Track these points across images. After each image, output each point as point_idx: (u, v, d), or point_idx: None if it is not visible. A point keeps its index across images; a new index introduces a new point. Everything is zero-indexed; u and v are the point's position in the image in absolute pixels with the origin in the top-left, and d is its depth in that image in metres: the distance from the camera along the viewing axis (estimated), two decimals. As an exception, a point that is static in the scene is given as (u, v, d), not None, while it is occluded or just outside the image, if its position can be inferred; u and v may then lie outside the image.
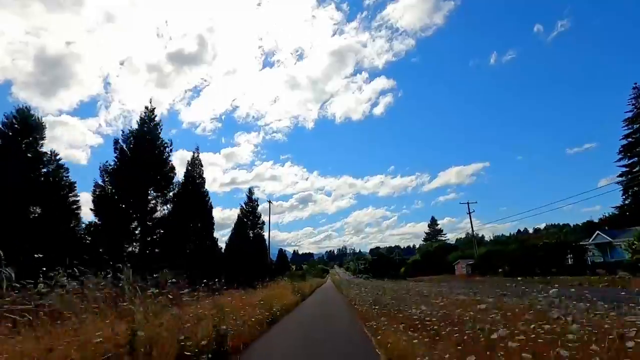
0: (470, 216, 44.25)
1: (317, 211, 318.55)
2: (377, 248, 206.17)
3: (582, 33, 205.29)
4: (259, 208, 41.73)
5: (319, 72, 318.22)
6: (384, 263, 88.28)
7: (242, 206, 40.36)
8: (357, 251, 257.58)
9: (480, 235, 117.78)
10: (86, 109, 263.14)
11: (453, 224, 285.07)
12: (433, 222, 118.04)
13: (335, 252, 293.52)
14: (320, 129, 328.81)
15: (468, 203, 45.05)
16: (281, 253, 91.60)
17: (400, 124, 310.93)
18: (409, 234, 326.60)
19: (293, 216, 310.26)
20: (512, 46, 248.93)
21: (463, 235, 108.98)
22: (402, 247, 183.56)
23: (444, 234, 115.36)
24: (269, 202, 42.53)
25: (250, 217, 40.09)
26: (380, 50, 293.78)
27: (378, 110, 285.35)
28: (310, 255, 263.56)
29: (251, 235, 39.05)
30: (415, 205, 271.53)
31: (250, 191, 42.03)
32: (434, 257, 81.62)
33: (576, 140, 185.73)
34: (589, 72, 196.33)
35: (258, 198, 42.31)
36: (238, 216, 39.64)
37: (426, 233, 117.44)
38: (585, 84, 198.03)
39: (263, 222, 40.16)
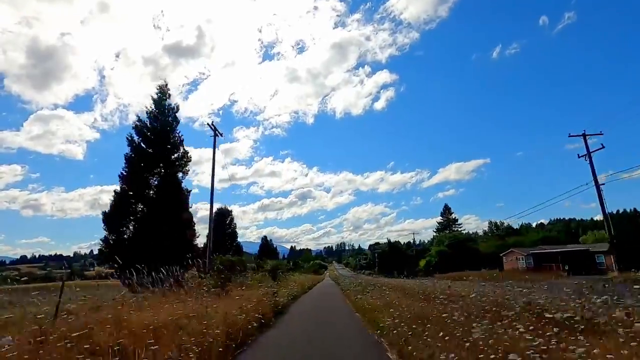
0: (590, 159, 24.09)
1: (316, 207, 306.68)
2: (377, 244, 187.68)
3: (587, 27, 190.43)
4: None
5: (320, 66, 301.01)
6: (396, 256, 69.07)
7: (138, 123, 19.59)
8: (357, 247, 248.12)
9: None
10: (82, 103, 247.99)
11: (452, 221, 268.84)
12: (446, 211, 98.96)
13: (334, 248, 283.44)
14: (321, 124, 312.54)
15: (585, 134, 24.79)
16: (266, 242, 72.10)
17: (401, 119, 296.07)
18: (407, 230, 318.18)
19: (292, 212, 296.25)
20: (516, 39, 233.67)
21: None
22: (402, 242, 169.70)
23: (459, 224, 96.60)
24: (214, 130, 21.10)
25: (157, 143, 19.27)
26: (383, 43, 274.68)
27: (379, 105, 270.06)
28: (308, 251, 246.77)
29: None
30: (414, 201, 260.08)
31: (162, 90, 20.78)
32: (462, 248, 62.88)
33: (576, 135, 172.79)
34: (591, 67, 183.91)
35: (178, 105, 21.86)
36: (127, 140, 19.24)
37: (438, 223, 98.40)
38: (587, 78, 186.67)
39: (186, 158, 19.90)
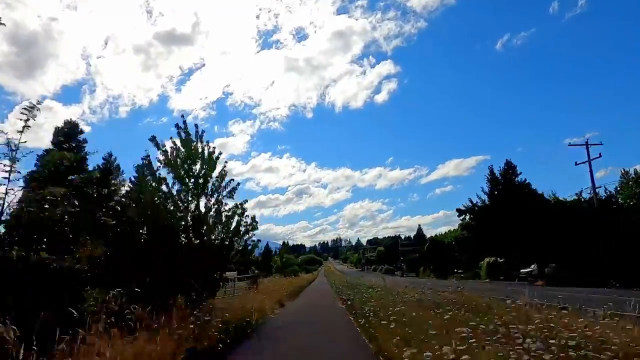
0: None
1: (313, 204, 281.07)
2: (375, 239, 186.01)
3: (598, 16, 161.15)
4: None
5: (321, 55, 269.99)
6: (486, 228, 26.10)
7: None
8: (353, 244, 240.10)
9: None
10: (69, 94, 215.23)
11: (448, 217, 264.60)
12: (509, 170, 53.49)
13: (330, 244, 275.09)
14: (320, 117, 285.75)
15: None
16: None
17: (403, 113, 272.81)
18: (404, 227, 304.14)
19: (288, 209, 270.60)
20: (525, 28, 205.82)
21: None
22: (402, 237, 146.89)
23: (533, 189, 50.97)
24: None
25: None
26: (388, 32, 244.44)
27: (380, 98, 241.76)
28: (302, 247, 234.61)
29: None
30: (411, 198, 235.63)
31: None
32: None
33: (576, 130, 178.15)
34: (596, 60, 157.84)
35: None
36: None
37: (490, 177, 52.39)
38: (590, 72, 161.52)
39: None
